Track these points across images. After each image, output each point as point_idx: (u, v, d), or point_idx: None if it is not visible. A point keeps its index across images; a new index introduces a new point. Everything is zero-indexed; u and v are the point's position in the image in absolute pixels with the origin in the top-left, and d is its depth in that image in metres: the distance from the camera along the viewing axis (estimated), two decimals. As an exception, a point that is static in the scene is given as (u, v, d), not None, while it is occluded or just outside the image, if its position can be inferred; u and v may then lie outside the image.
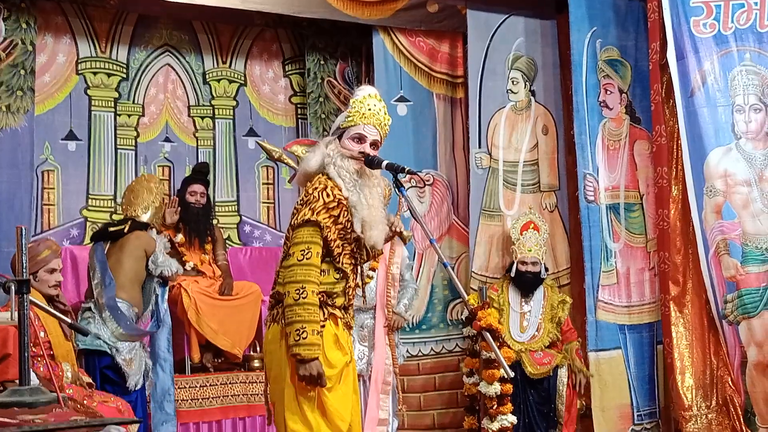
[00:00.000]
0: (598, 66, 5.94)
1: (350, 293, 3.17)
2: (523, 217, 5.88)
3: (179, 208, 5.76)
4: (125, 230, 5.15)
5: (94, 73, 6.22)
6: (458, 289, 3.24)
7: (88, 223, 6.04)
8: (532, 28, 6.37)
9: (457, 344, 6.24)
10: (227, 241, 6.30)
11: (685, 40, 5.57)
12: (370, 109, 3.17)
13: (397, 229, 3.28)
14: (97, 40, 6.23)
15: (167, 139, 6.43)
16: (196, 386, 5.36)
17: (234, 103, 6.64)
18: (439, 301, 6.34)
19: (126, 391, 4.83)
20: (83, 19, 6.18)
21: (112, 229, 5.18)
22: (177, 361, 5.37)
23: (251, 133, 6.66)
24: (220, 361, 5.72)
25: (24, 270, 2.80)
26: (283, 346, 3.02)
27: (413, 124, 6.43)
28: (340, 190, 3.07)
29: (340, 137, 3.19)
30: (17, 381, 2.88)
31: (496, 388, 5.12)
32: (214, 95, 6.59)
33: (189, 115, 6.52)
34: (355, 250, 3.14)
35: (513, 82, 6.33)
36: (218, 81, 6.61)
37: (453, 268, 6.10)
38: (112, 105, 6.26)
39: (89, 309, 4.98)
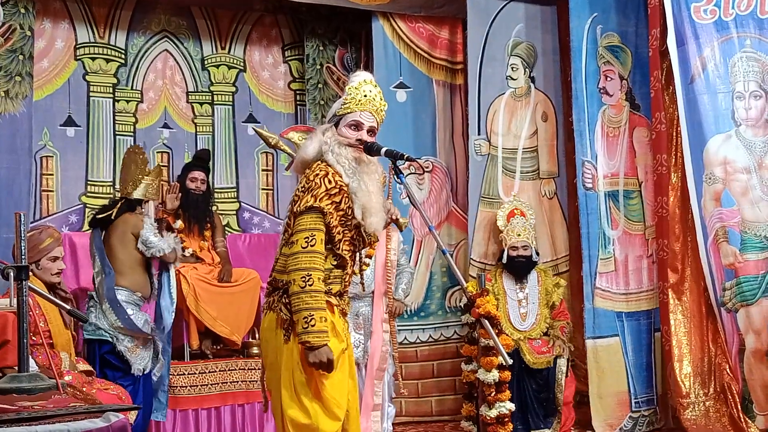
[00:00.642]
0: (598, 52, 5.91)
1: (347, 280, 3.17)
2: (509, 205, 5.90)
3: (180, 194, 5.75)
4: (113, 215, 5.01)
5: (93, 59, 6.20)
6: (457, 276, 3.24)
7: (86, 210, 6.04)
8: (532, 14, 6.34)
9: (455, 331, 6.26)
10: (226, 228, 6.29)
11: (686, 27, 5.54)
12: (366, 96, 3.15)
13: (394, 216, 3.29)
14: (95, 25, 6.21)
15: (166, 126, 6.42)
16: (195, 373, 5.36)
17: (233, 89, 6.62)
18: (438, 288, 6.35)
19: (129, 374, 4.81)
20: (81, 4, 6.16)
21: (99, 216, 5.06)
22: (176, 348, 5.38)
23: (250, 119, 6.64)
24: (218, 347, 5.74)
25: (23, 256, 2.81)
26: (279, 333, 3.01)
27: (412, 110, 6.42)
28: (341, 177, 3.06)
29: (336, 124, 3.17)
30: (16, 367, 2.89)
31: (494, 375, 5.14)
32: (213, 81, 6.57)
33: (188, 101, 6.51)
34: (354, 236, 3.13)
35: (512, 68, 6.30)
36: (217, 67, 6.59)
37: (452, 256, 6.11)
38: (111, 91, 6.25)
39: (93, 297, 4.96)
